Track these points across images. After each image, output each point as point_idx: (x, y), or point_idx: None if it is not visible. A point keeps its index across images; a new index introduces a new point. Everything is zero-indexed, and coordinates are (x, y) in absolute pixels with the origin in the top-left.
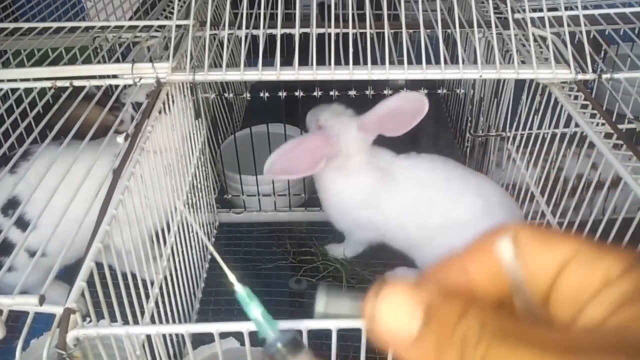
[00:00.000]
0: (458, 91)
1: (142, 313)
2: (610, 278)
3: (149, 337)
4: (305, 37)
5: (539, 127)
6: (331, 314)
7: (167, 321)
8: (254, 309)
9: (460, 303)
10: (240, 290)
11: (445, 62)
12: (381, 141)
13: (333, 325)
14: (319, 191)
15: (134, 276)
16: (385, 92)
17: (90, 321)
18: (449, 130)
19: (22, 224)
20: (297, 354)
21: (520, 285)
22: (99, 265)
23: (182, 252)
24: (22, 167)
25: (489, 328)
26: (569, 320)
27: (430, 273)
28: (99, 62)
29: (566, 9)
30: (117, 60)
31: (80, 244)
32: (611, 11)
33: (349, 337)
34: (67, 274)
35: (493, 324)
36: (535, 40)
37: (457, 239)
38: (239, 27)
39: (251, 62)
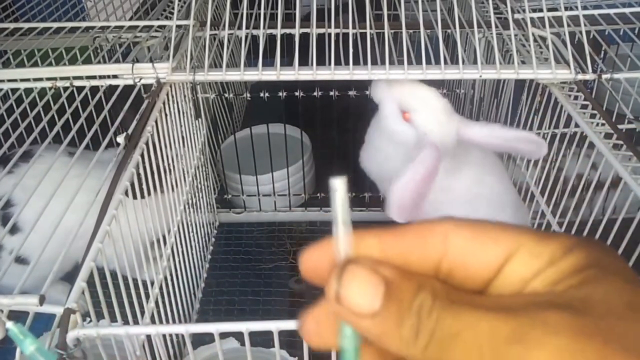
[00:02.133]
0: (458, 91)
1: (142, 313)
2: (554, 260)
3: (149, 337)
4: (305, 37)
5: (539, 127)
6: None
7: (167, 321)
8: (28, 344)
9: (415, 279)
10: (10, 326)
11: (445, 62)
12: None
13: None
14: None
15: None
16: None
17: (91, 321)
18: None
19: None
20: None
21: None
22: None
23: (182, 252)
24: (21, 168)
25: (440, 297)
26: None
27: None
28: (99, 62)
29: (566, 9)
30: (118, 61)
31: (72, 254)
32: (611, 11)
33: None
34: (67, 275)
35: (443, 294)
36: (535, 40)
37: None
38: (239, 27)
39: (251, 62)
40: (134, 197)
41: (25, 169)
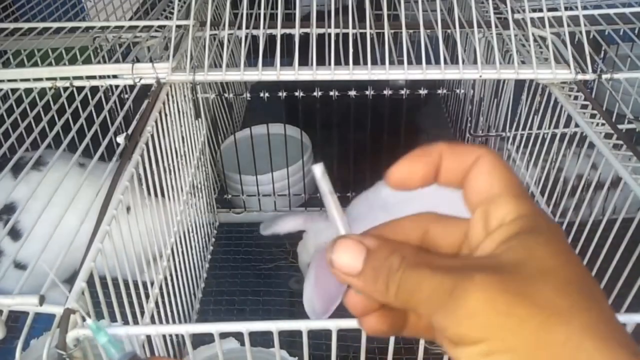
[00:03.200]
0: (458, 91)
1: (142, 313)
2: (504, 222)
3: (149, 337)
4: (305, 37)
5: (539, 127)
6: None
7: (167, 321)
8: (102, 336)
9: (390, 246)
10: (91, 324)
11: (445, 62)
12: (381, 144)
13: (333, 325)
14: None
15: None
16: (385, 92)
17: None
18: (448, 130)
19: (14, 233)
20: None
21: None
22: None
23: (182, 252)
24: (31, 176)
25: (406, 260)
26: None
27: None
28: (99, 62)
29: (566, 9)
30: (117, 61)
31: (69, 261)
32: (611, 11)
33: (349, 337)
34: (70, 278)
35: (411, 256)
36: (535, 40)
37: None
38: (239, 27)
39: (251, 62)
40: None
41: (37, 177)
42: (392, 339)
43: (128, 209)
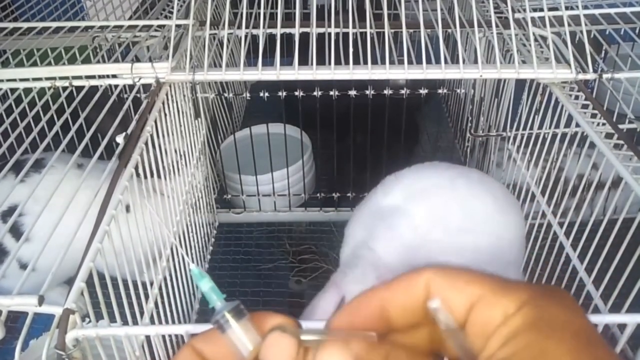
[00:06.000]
0: (458, 91)
1: (142, 314)
2: (507, 315)
3: (148, 337)
4: (305, 37)
5: (540, 127)
6: None
7: (167, 322)
8: (205, 283)
9: (383, 349)
10: (193, 267)
11: (446, 62)
12: (381, 144)
13: None
14: None
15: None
16: (386, 92)
17: (90, 322)
18: (449, 130)
19: (18, 233)
20: (239, 319)
21: (454, 332)
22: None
23: (182, 252)
24: (31, 177)
25: None
26: (480, 351)
27: (350, 314)
28: (98, 61)
29: (567, 8)
30: (117, 60)
31: (72, 262)
32: (612, 11)
33: None
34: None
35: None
36: (535, 40)
37: None
38: (239, 27)
39: (251, 61)
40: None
41: (36, 178)
42: None
43: (127, 207)
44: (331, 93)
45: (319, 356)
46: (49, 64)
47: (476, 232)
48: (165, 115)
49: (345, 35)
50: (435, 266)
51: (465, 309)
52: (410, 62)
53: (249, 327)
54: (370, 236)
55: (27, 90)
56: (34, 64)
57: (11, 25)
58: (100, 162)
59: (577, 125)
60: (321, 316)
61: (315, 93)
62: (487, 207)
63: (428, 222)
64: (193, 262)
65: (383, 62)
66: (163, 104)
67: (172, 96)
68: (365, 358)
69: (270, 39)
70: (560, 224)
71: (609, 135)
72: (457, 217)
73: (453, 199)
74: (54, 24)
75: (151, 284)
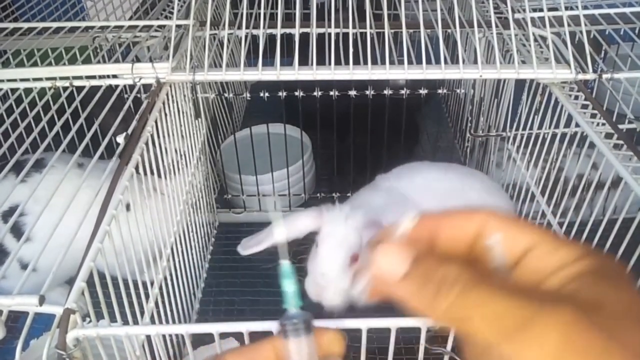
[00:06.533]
0: (458, 91)
1: (142, 313)
2: (565, 264)
3: (148, 337)
4: (305, 37)
5: (539, 127)
6: None
7: (167, 321)
8: (291, 284)
9: (443, 258)
10: (285, 264)
11: (446, 62)
12: (381, 144)
13: (334, 324)
14: None
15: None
16: (386, 92)
17: (90, 321)
18: (449, 130)
19: (19, 233)
20: (307, 333)
21: (502, 271)
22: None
23: (182, 252)
24: (32, 177)
25: (465, 275)
26: None
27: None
28: (98, 62)
29: (566, 8)
30: (117, 60)
31: (73, 262)
32: (611, 11)
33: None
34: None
35: (469, 273)
36: (535, 40)
37: None
38: (239, 27)
39: (251, 62)
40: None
41: (38, 178)
42: (392, 340)
43: (127, 206)
44: (331, 93)
45: (378, 251)
46: (50, 64)
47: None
48: (166, 115)
49: (345, 35)
50: (491, 210)
51: (520, 252)
52: (410, 62)
53: (312, 345)
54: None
55: (28, 91)
56: (35, 64)
57: (12, 25)
58: (101, 161)
59: (577, 125)
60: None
61: (315, 93)
62: (479, 191)
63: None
64: (193, 263)
65: (383, 62)
66: (163, 104)
67: (172, 96)
68: (424, 258)
69: (270, 39)
70: (560, 224)
71: (608, 135)
72: (454, 200)
73: (450, 186)
74: (55, 24)
75: (151, 283)
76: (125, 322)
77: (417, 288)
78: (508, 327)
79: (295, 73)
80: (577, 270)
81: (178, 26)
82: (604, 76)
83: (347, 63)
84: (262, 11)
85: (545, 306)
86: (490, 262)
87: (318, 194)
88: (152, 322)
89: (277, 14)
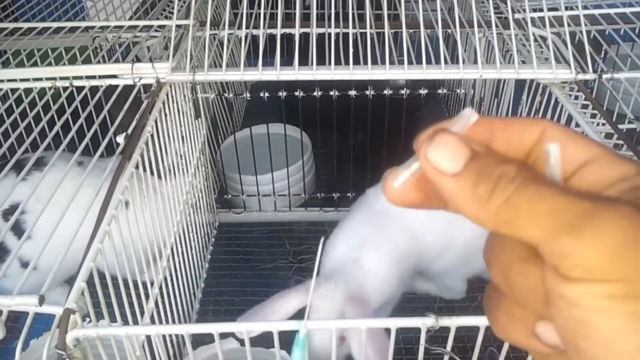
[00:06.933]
0: (458, 91)
1: (142, 313)
2: (624, 177)
3: (148, 337)
4: (305, 37)
5: None
6: None
7: (167, 321)
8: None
9: (501, 156)
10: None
11: (446, 62)
12: (381, 144)
13: (332, 326)
14: None
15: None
16: (386, 92)
17: (90, 321)
18: None
19: (20, 231)
20: None
21: (556, 180)
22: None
23: (182, 252)
24: (33, 176)
25: (524, 173)
26: None
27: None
28: (98, 62)
29: (566, 8)
30: (117, 61)
31: (73, 261)
32: (611, 11)
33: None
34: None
35: (528, 171)
36: (535, 40)
37: None
38: (239, 27)
39: (251, 62)
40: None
41: (38, 177)
42: (392, 340)
43: (127, 203)
44: (331, 93)
45: (433, 141)
46: (50, 64)
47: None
48: (166, 115)
49: (345, 35)
50: (553, 122)
51: (578, 163)
52: (410, 62)
53: None
54: (359, 249)
55: (28, 91)
56: (35, 64)
57: (12, 25)
58: (101, 160)
59: (577, 125)
60: (277, 311)
61: (315, 93)
62: None
63: (421, 227)
64: (193, 263)
65: (383, 62)
66: (163, 104)
67: (172, 96)
68: (483, 155)
69: (271, 39)
70: None
71: (608, 135)
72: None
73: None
74: (55, 24)
75: (151, 283)
76: (125, 322)
77: (471, 184)
78: (565, 221)
79: (295, 73)
80: (637, 182)
81: (178, 26)
82: (604, 76)
83: (347, 63)
84: (262, 11)
85: (603, 203)
86: (545, 172)
87: (318, 194)
88: (152, 322)
89: (277, 14)
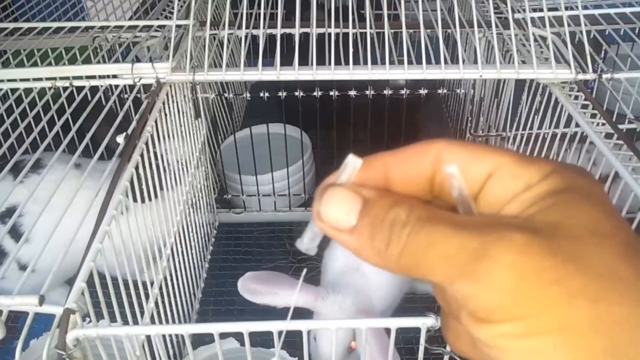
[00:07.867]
0: (458, 91)
1: (142, 313)
2: (529, 185)
3: (148, 337)
4: (305, 37)
5: (539, 127)
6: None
7: (167, 321)
8: None
9: (392, 197)
10: None
11: (446, 62)
12: (381, 143)
13: (333, 325)
14: None
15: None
16: (385, 92)
17: (90, 321)
18: (449, 130)
19: (18, 234)
20: None
21: (465, 200)
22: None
23: (182, 252)
24: (30, 178)
25: (415, 213)
26: None
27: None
28: (98, 62)
29: (566, 8)
30: (117, 61)
31: (71, 263)
32: (611, 11)
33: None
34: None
35: (419, 210)
36: (535, 40)
37: None
38: (239, 27)
39: (251, 62)
40: (134, 199)
41: (36, 180)
42: (392, 340)
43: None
44: (331, 93)
45: (323, 198)
46: (50, 64)
47: None
48: (166, 115)
49: (345, 35)
50: (447, 139)
51: (482, 177)
52: (410, 62)
53: None
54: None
55: (28, 91)
56: (35, 64)
57: (12, 25)
58: (99, 162)
59: (577, 125)
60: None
61: (315, 93)
62: None
63: None
64: (193, 263)
65: (383, 63)
66: (163, 104)
67: (172, 96)
68: (374, 201)
69: (271, 39)
70: None
71: (608, 136)
72: None
73: None
74: (55, 24)
75: (151, 283)
76: (125, 322)
77: (368, 237)
78: (458, 266)
79: (295, 73)
80: (541, 190)
81: (178, 26)
82: (604, 76)
83: (347, 63)
84: (262, 11)
85: (493, 237)
86: (453, 195)
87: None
88: (152, 322)
89: (277, 14)
